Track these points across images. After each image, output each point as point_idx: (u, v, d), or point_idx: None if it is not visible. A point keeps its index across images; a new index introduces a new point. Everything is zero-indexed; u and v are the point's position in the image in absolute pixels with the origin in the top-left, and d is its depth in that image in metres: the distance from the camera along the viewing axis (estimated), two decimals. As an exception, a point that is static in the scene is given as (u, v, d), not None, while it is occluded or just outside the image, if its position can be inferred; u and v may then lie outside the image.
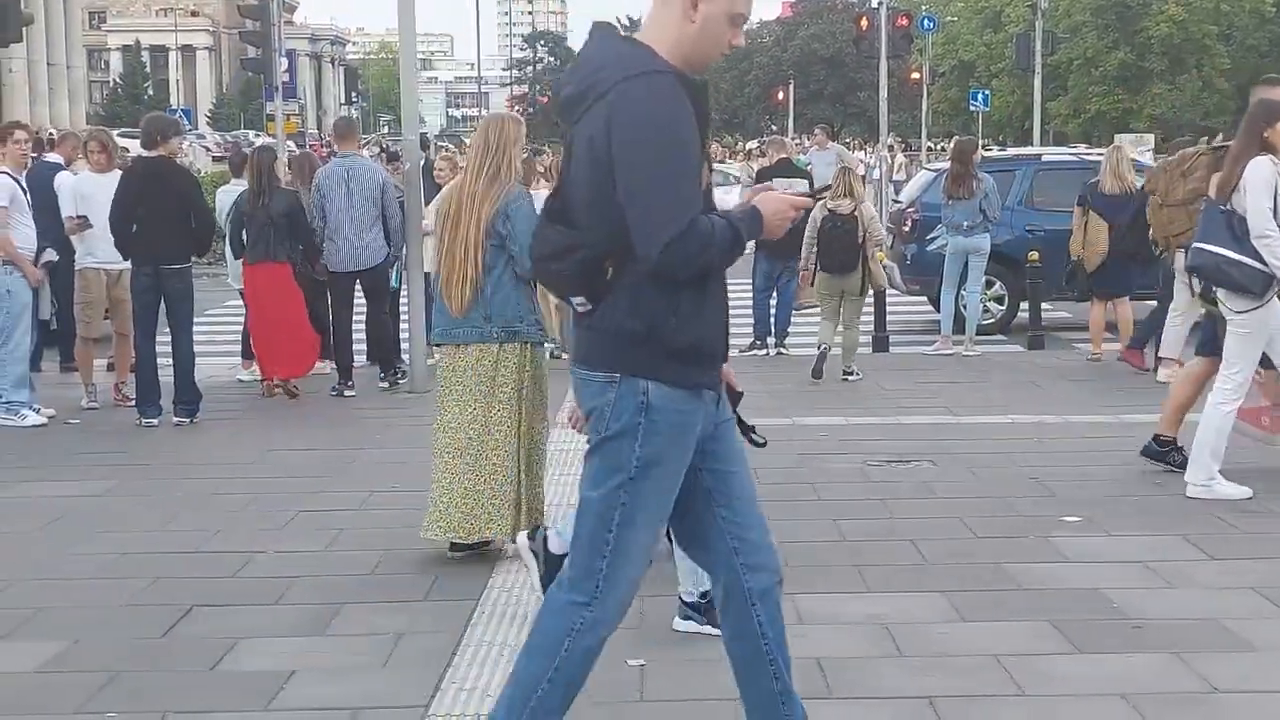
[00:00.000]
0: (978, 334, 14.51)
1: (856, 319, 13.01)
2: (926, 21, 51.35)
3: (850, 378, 12.60)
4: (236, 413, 11.31)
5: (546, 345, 7.37)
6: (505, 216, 6.80)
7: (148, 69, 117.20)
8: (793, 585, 6.48)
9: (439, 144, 32.84)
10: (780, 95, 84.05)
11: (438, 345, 7.18)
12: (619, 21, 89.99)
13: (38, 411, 10.87)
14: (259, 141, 57.05)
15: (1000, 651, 5.62)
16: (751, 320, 14.31)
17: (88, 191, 11.45)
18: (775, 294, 14.40)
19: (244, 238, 11.80)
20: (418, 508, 8.07)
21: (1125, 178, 13.18)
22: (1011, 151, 22.54)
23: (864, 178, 23.58)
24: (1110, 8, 62.90)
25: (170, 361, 10.77)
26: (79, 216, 11.41)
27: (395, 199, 12.14)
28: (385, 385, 12.25)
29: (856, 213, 12.53)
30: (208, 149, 54.72)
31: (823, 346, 12.74)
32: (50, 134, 40.74)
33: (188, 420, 10.72)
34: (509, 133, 6.96)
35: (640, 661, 5.55)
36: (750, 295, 14.32)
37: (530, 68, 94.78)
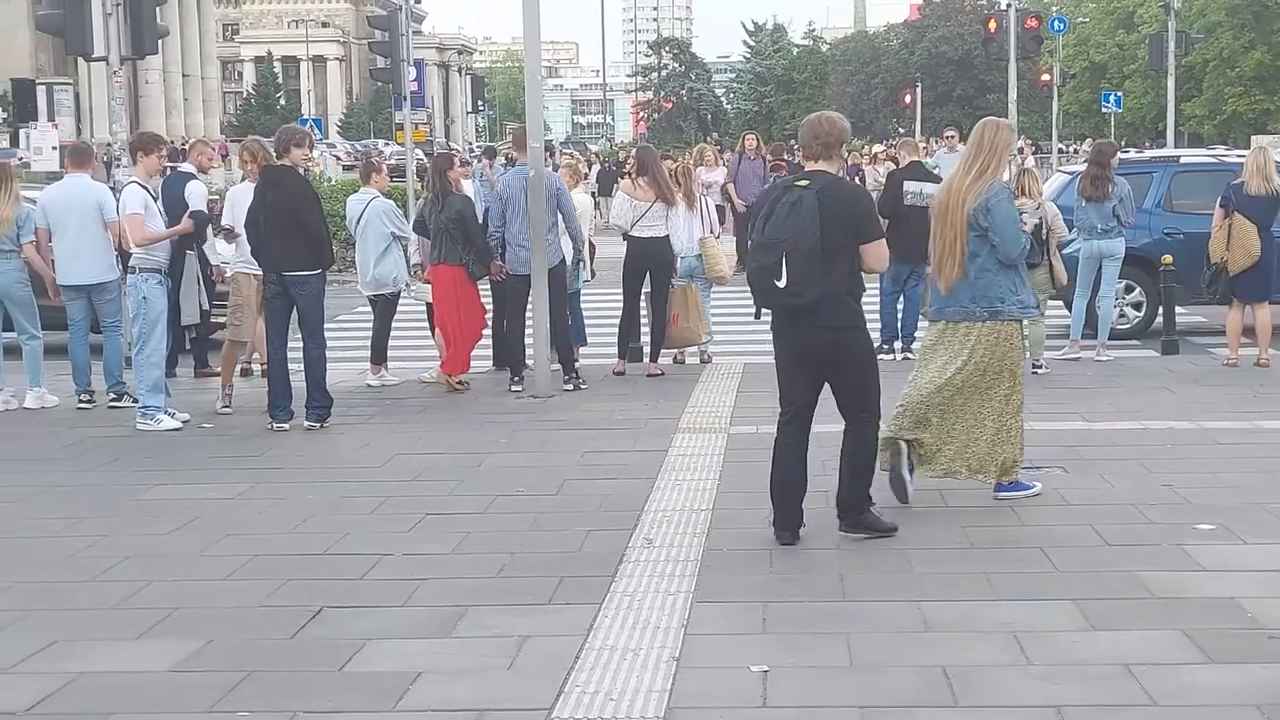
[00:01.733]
0: (1115, 339, 14.32)
1: (1042, 313, 13.06)
2: (1057, 23, 50.63)
3: (1039, 370, 12.76)
4: (365, 417, 11.44)
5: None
6: (986, 210, 7.79)
7: (280, 79, 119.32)
8: (920, 592, 6.45)
9: (564, 150, 33.02)
10: (908, 98, 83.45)
11: (933, 322, 8.25)
12: (744, 26, 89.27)
13: (173, 415, 11.08)
14: (388, 150, 57.87)
15: (1132, 661, 5.52)
16: (879, 324, 14.15)
17: (240, 200, 11.71)
18: (902, 298, 14.26)
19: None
20: (543, 511, 8.14)
21: (1272, 178, 12.93)
22: (1149, 154, 22.10)
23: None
24: (1246, 7, 61.63)
25: (302, 366, 10.94)
26: (227, 226, 11.71)
27: (571, 203, 12.53)
28: (570, 388, 12.37)
29: (1040, 211, 12.74)
30: (338, 158, 55.51)
31: None
32: (183, 143, 41.63)
33: (318, 425, 10.86)
34: (1002, 138, 7.96)
35: (764, 667, 5.52)
36: (877, 298, 14.19)
37: (655, 74, 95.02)
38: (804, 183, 7.14)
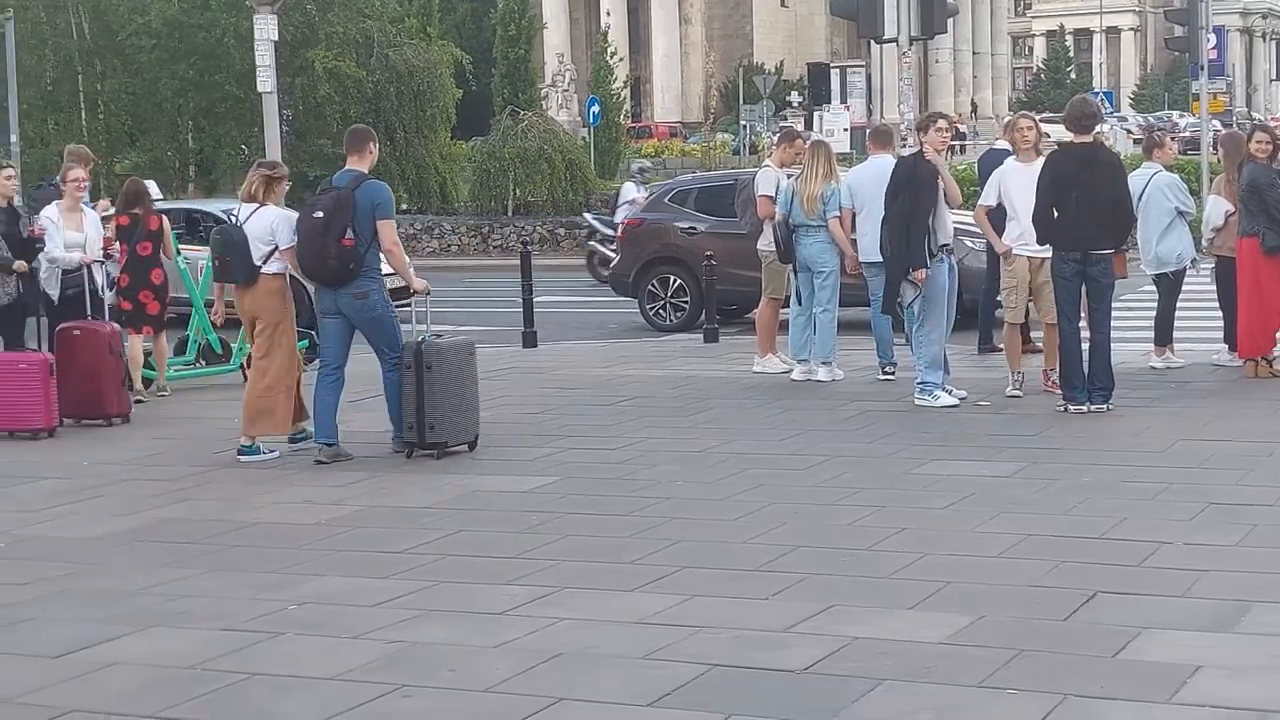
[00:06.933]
0: None
1: None
2: None
3: None
4: (1148, 400, 11.07)
5: None
6: None
7: (1070, 53, 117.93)
8: None
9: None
10: None
11: None
12: None
13: (950, 392, 11.20)
14: (1183, 122, 55.76)
15: None
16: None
17: (1011, 175, 11.56)
18: None
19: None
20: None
21: None
22: None
23: None
24: None
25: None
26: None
27: None
28: None
29: None
30: (1129, 132, 54.13)
31: None
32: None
33: (1104, 406, 10.60)
34: None
35: None
36: None
37: None
38: None
